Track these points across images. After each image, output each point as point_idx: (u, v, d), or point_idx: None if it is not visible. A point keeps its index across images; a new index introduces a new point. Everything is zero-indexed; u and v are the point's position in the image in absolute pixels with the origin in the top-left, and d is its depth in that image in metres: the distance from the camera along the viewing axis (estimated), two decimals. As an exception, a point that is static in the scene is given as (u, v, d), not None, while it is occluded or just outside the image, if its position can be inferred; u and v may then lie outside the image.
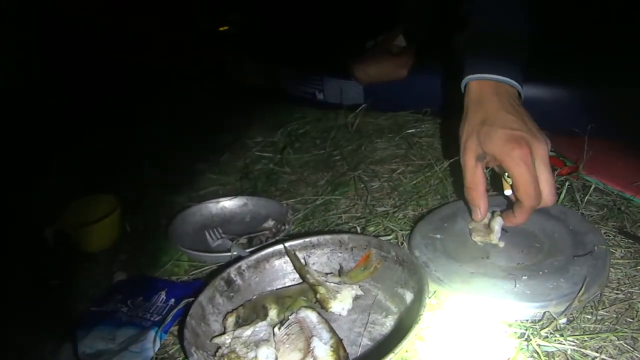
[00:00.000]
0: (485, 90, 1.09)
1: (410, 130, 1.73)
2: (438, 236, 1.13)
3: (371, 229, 1.26)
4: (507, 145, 0.99)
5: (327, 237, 1.06)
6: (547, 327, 0.91)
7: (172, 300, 1.09)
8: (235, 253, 1.15)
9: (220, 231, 1.33)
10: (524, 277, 0.98)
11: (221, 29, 3.02)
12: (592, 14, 1.62)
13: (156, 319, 1.04)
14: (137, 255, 1.30)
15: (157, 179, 1.65)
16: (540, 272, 0.99)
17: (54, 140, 1.78)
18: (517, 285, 0.96)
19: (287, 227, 1.27)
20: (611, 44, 1.61)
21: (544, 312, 0.92)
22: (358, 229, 1.25)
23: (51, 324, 1.10)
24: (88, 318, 1.08)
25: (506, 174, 1.03)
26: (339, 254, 1.06)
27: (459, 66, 1.16)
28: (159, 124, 2.06)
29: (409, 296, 0.94)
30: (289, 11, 2.38)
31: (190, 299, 0.98)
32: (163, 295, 1.11)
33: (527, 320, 0.93)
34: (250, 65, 2.23)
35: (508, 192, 1.07)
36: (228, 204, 1.41)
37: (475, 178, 1.05)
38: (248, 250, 1.15)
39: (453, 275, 1.00)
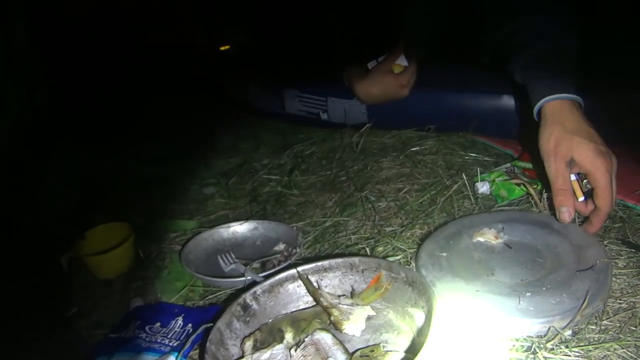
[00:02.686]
0: (565, 107, 1.20)
1: (414, 148, 1.75)
2: (444, 254, 1.16)
3: (380, 249, 1.28)
4: (598, 158, 1.11)
5: (339, 260, 1.09)
6: (552, 339, 0.93)
7: (190, 325, 1.11)
8: (249, 278, 1.18)
9: (233, 256, 1.35)
10: (527, 294, 1.00)
11: (222, 48, 3.05)
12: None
13: (175, 344, 1.07)
14: (152, 281, 1.32)
15: (165, 203, 1.67)
16: (544, 288, 1.01)
17: (61, 165, 1.79)
18: (521, 302, 0.98)
19: (298, 250, 1.29)
20: (604, 49, 1.65)
21: (549, 327, 0.94)
22: (367, 249, 1.27)
23: (70, 353, 1.13)
24: (107, 345, 1.10)
25: (585, 181, 1.16)
26: (350, 277, 1.09)
27: (526, 86, 1.30)
28: (162, 146, 2.08)
29: (419, 315, 0.96)
30: (291, 32, 2.41)
31: (209, 325, 1.01)
32: (180, 321, 1.13)
33: (533, 336, 0.96)
34: (254, 86, 2.24)
35: (582, 198, 1.17)
36: (239, 228, 1.44)
37: (566, 181, 1.16)
38: (262, 275, 1.18)
39: (459, 293, 1.03)
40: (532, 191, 1.35)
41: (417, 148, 1.76)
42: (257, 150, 1.98)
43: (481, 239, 1.20)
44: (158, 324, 1.14)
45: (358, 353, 0.93)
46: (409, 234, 1.33)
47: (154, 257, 1.41)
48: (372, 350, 0.92)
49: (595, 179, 1.11)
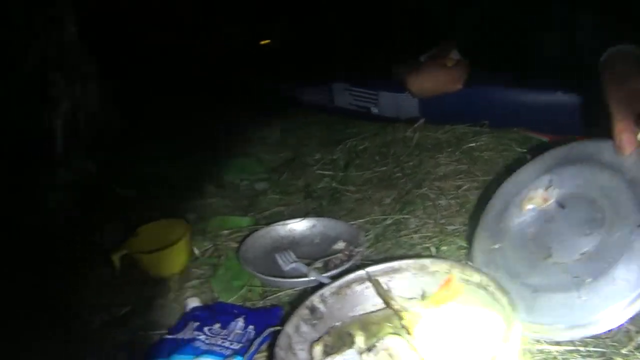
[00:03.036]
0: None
1: (470, 144, 1.69)
2: (497, 246, 1.08)
3: (444, 248, 1.23)
4: None
5: (409, 261, 1.03)
6: (627, 345, 0.87)
7: (251, 327, 1.07)
8: (313, 278, 1.13)
9: (292, 255, 1.30)
10: (588, 280, 0.90)
11: (262, 42, 3.01)
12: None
13: (237, 347, 1.02)
14: (208, 280, 1.28)
15: (217, 199, 1.64)
16: (606, 264, 0.90)
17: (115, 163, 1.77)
18: (582, 295, 0.89)
19: (360, 249, 1.24)
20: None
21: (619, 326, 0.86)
22: (433, 249, 1.22)
23: (125, 355, 1.09)
24: (164, 347, 1.06)
25: None
26: (421, 278, 1.03)
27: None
28: (207, 143, 2.04)
29: (492, 322, 0.90)
30: (338, 25, 2.36)
31: (275, 328, 0.98)
32: (241, 322, 1.09)
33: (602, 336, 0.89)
34: (302, 80, 2.20)
35: None
36: (297, 226, 1.40)
37: (627, 110, 1.05)
38: (325, 275, 1.13)
39: (517, 300, 0.92)
40: None
41: (473, 144, 1.70)
42: (307, 145, 1.92)
43: (530, 206, 1.10)
44: (217, 325, 1.09)
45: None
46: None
47: (209, 255, 1.37)
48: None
49: None
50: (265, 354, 1.01)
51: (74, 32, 1.43)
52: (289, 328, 0.93)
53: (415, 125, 1.79)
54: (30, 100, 1.48)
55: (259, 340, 1.01)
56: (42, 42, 1.39)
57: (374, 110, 2.00)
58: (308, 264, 1.24)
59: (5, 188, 1.53)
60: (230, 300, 1.20)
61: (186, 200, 1.67)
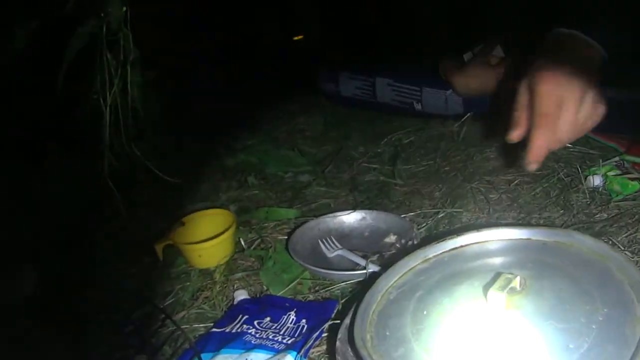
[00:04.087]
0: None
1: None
2: None
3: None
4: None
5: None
6: None
7: (304, 321, 1.03)
8: (370, 270, 1.08)
9: (335, 241, 1.28)
10: None
11: (295, 38, 2.98)
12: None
13: (289, 341, 0.98)
14: (256, 272, 1.24)
15: (261, 191, 1.61)
16: None
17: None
18: None
19: (414, 242, 1.19)
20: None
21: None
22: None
23: (169, 348, 1.06)
24: (211, 340, 1.02)
25: None
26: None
27: None
28: (250, 135, 2.01)
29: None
30: (385, 21, 2.32)
31: (334, 322, 0.94)
32: (293, 316, 1.05)
33: None
34: (344, 75, 2.16)
35: None
36: (346, 218, 1.36)
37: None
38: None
39: None
40: None
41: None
42: (350, 139, 1.88)
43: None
44: (268, 318, 1.05)
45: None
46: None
47: (255, 247, 1.33)
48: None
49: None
50: (319, 348, 0.97)
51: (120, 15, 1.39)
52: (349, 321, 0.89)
53: (462, 120, 1.73)
54: (78, 83, 1.45)
55: (316, 334, 0.96)
56: (92, 22, 1.35)
57: (417, 106, 1.95)
58: (365, 256, 1.20)
59: (53, 174, 1.51)
60: (279, 294, 1.16)
61: (227, 190, 1.64)
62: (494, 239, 1.00)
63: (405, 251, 1.12)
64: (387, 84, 2.02)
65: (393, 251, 1.21)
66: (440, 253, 0.99)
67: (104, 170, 1.43)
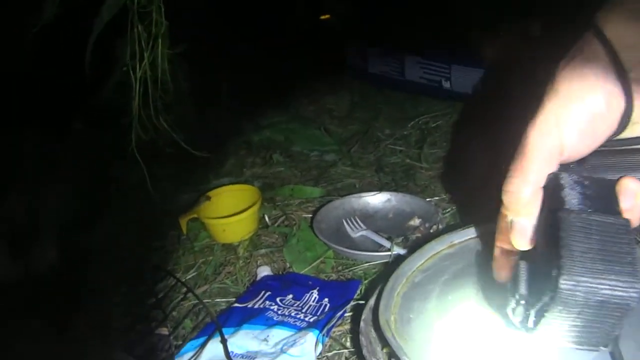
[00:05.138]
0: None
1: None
2: None
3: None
4: None
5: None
6: None
7: (326, 299, 1.03)
8: (395, 252, 1.08)
9: (359, 221, 1.27)
10: None
11: (322, 17, 2.96)
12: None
13: (311, 319, 0.98)
14: (279, 249, 1.24)
15: (286, 169, 1.60)
16: None
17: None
18: None
19: (438, 227, 1.19)
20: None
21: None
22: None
23: (190, 321, 1.06)
24: (233, 315, 1.02)
25: None
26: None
27: None
28: (276, 112, 2.00)
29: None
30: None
31: (357, 302, 0.94)
32: (315, 294, 1.05)
33: None
34: (373, 52, 2.14)
35: None
36: (371, 199, 1.35)
37: None
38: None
39: None
40: None
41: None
42: (376, 120, 1.87)
43: None
44: (290, 296, 1.05)
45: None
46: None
47: (279, 223, 1.33)
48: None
49: None
50: (341, 328, 0.97)
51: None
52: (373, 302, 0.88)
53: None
54: (106, 55, 1.45)
55: (339, 313, 0.96)
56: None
57: (445, 84, 1.93)
58: (389, 239, 1.20)
59: (78, 147, 1.51)
60: (303, 271, 1.16)
61: (252, 166, 1.63)
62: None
63: (430, 235, 1.12)
64: (416, 62, 2.01)
65: (417, 235, 1.20)
66: (466, 239, 0.97)
67: (132, 142, 1.43)
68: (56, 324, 1.01)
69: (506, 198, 0.61)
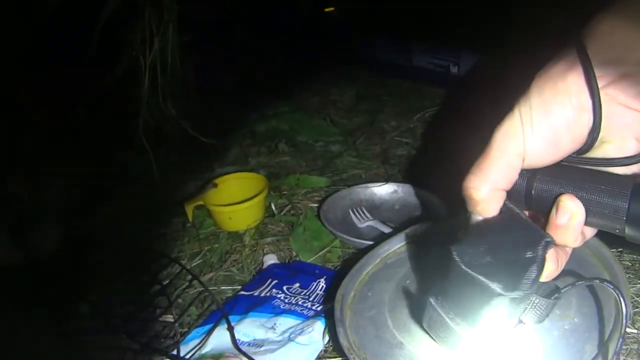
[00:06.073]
0: None
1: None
2: None
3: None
4: None
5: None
6: None
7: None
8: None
9: (366, 211, 1.28)
10: None
11: (326, 9, 2.95)
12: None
13: (318, 308, 0.98)
14: (286, 237, 1.24)
15: (292, 158, 1.60)
16: None
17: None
18: None
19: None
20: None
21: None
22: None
23: (197, 308, 1.06)
24: (239, 303, 1.02)
25: None
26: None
27: None
28: (282, 102, 1.99)
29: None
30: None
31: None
32: (322, 283, 1.05)
33: None
34: (381, 39, 2.14)
35: None
36: (377, 190, 1.35)
37: None
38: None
39: None
40: None
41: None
42: (382, 112, 1.86)
43: None
44: (297, 284, 1.05)
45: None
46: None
47: (285, 212, 1.33)
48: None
49: None
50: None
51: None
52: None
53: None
54: (115, 41, 1.44)
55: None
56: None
57: (453, 69, 1.92)
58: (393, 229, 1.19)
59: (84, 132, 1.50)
60: (309, 260, 1.16)
61: (257, 155, 1.63)
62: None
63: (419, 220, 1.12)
64: (423, 48, 2.00)
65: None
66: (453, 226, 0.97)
67: (139, 128, 1.42)
68: (59, 312, 1.01)
69: (465, 193, 0.64)
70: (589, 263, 0.86)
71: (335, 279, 1.04)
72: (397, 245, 0.99)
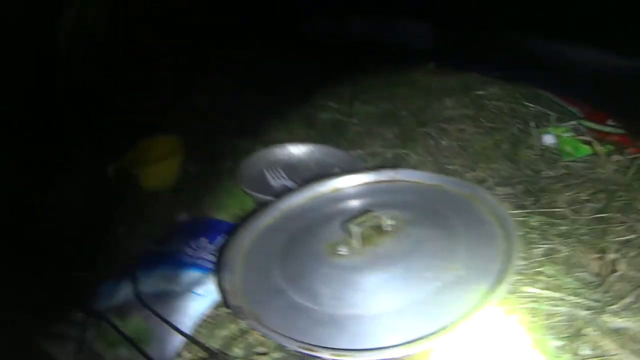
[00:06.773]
0: None
1: (479, 92, 1.65)
2: None
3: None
4: None
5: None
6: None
7: (239, 243, 1.05)
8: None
9: (282, 172, 1.30)
10: None
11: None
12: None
13: (220, 261, 1.00)
14: (202, 197, 1.26)
15: (221, 123, 1.61)
16: None
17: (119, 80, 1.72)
18: None
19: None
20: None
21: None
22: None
23: (109, 262, 1.08)
24: (149, 258, 1.04)
25: None
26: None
27: None
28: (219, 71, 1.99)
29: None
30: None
31: None
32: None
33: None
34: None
35: None
36: (295, 150, 1.37)
37: None
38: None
39: None
40: (600, 151, 1.27)
41: (482, 92, 1.65)
42: (312, 77, 1.86)
43: None
44: (204, 239, 1.07)
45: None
46: (470, 175, 1.27)
47: (204, 173, 1.35)
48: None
49: None
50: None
51: None
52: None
53: (426, 68, 1.74)
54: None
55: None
56: None
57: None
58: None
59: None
60: (221, 218, 1.17)
61: (187, 121, 1.63)
62: (375, 180, 1.06)
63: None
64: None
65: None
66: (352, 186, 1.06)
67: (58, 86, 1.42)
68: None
69: None
70: (485, 221, 0.90)
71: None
72: (298, 200, 1.01)
